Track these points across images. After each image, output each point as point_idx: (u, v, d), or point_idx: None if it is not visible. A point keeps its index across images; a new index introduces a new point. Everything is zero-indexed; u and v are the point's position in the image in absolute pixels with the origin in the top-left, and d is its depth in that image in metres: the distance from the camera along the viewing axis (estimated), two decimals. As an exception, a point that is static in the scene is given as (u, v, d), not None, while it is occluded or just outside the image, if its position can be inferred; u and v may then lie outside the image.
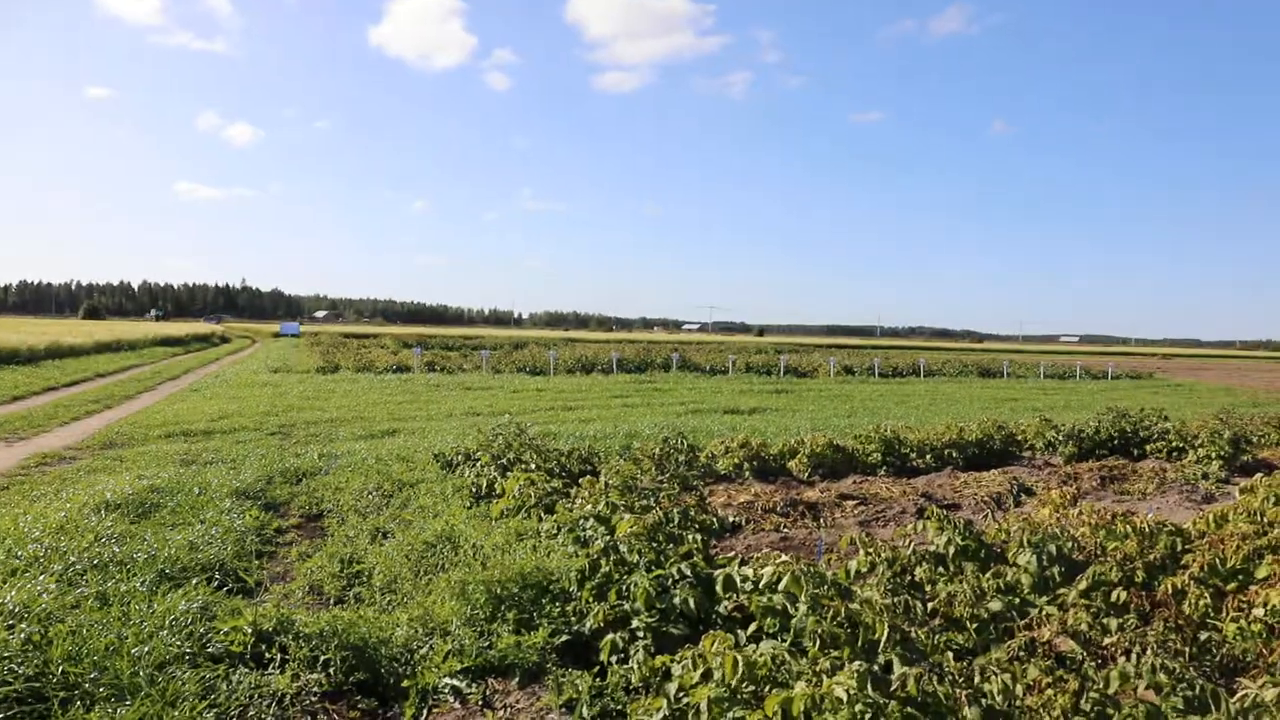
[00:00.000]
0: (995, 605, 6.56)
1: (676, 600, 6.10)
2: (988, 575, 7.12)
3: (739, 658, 4.81)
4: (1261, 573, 7.36)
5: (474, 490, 10.84)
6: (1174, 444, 17.25)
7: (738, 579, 6.14)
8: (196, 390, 25.33)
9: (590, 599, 6.56)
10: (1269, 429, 19.76)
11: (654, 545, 6.80)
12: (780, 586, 5.62)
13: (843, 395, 31.00)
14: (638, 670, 5.49)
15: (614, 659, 5.83)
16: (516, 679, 5.74)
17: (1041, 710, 4.77)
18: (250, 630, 5.75)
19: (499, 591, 6.48)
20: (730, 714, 4.73)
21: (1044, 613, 6.49)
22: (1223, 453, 15.92)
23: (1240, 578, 7.45)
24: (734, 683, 4.81)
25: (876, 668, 4.36)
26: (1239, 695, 4.60)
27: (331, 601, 7.21)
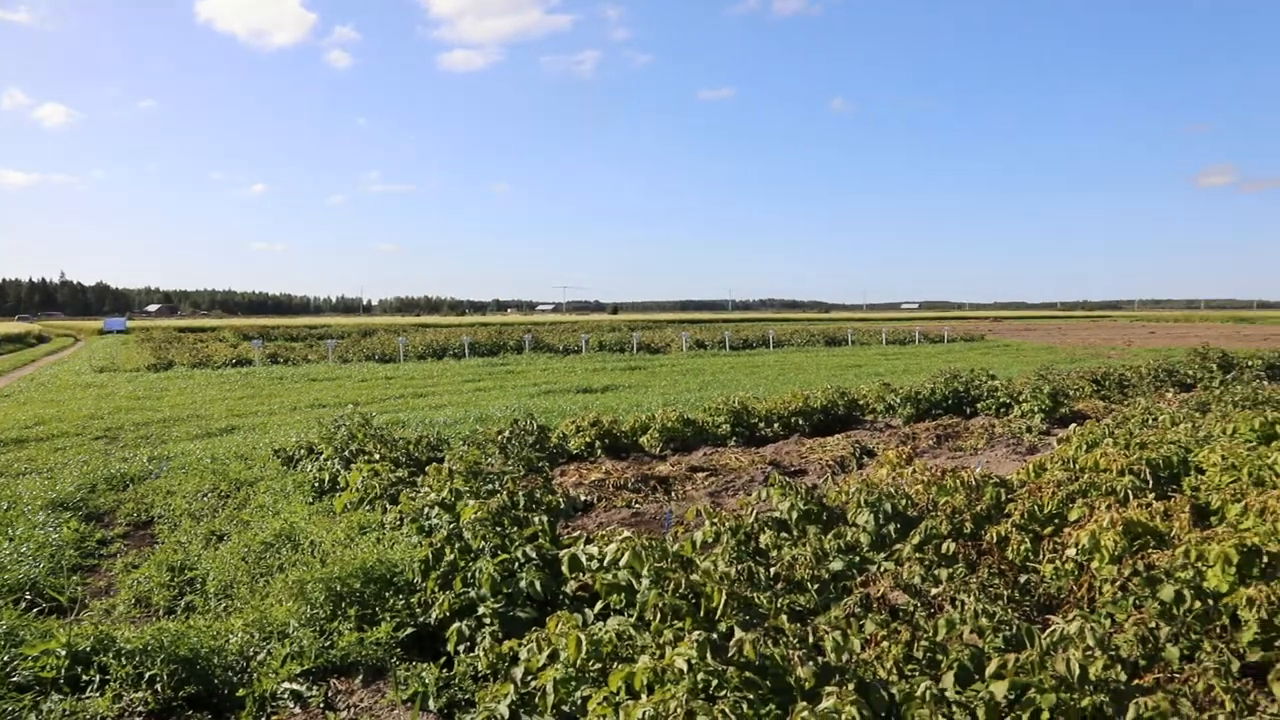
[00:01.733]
0: (836, 565, 6.78)
1: (523, 584, 6.04)
2: (829, 536, 7.35)
3: (583, 637, 4.79)
4: (1074, 515, 7.88)
5: (316, 485, 10.46)
6: (1002, 400, 18.30)
7: (583, 558, 6.12)
8: (7, 396, 23.43)
9: (435, 589, 6.42)
10: (1084, 383, 21.20)
11: (499, 530, 6.71)
12: (623, 563, 5.63)
13: (695, 369, 31.48)
14: (484, 657, 5.41)
15: (461, 648, 5.73)
16: (360, 677, 5.56)
17: (876, 662, 4.95)
18: (64, 653, 5.35)
19: (339, 588, 6.26)
20: (577, 693, 4.71)
21: (881, 569, 6.74)
22: (1044, 407, 16.99)
23: (1056, 521, 7.95)
24: (580, 661, 4.79)
25: (716, 636, 4.42)
26: (1049, 630, 4.89)
27: (161, 613, 6.81)
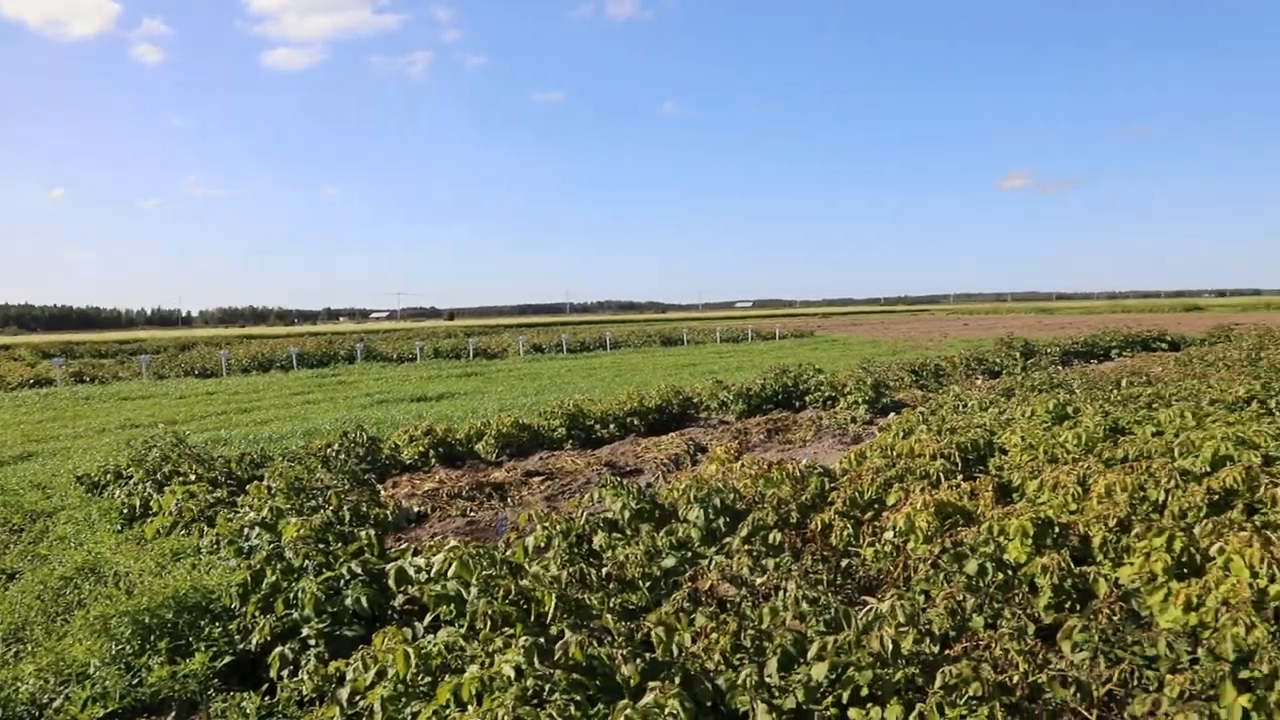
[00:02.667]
0: (669, 561, 6.88)
1: (349, 601, 5.85)
2: (661, 534, 7.46)
3: (411, 651, 4.68)
4: (891, 499, 8.29)
5: (125, 512, 9.79)
6: (828, 394, 19.07)
7: (411, 570, 5.98)
8: None
9: (256, 612, 6.12)
10: (904, 374, 22.36)
11: (323, 547, 6.48)
12: (451, 573, 5.54)
13: (532, 373, 31.35)
14: (309, 680, 5.20)
15: (285, 673, 5.48)
16: (173, 714, 5.24)
17: (704, 654, 5.05)
18: None
19: (149, 620, 5.88)
20: (407, 709, 4.60)
21: (711, 562, 6.89)
22: (867, 398, 17.80)
23: (876, 506, 8.34)
24: (409, 677, 4.67)
25: (544, 640, 4.40)
26: (865, 610, 5.13)
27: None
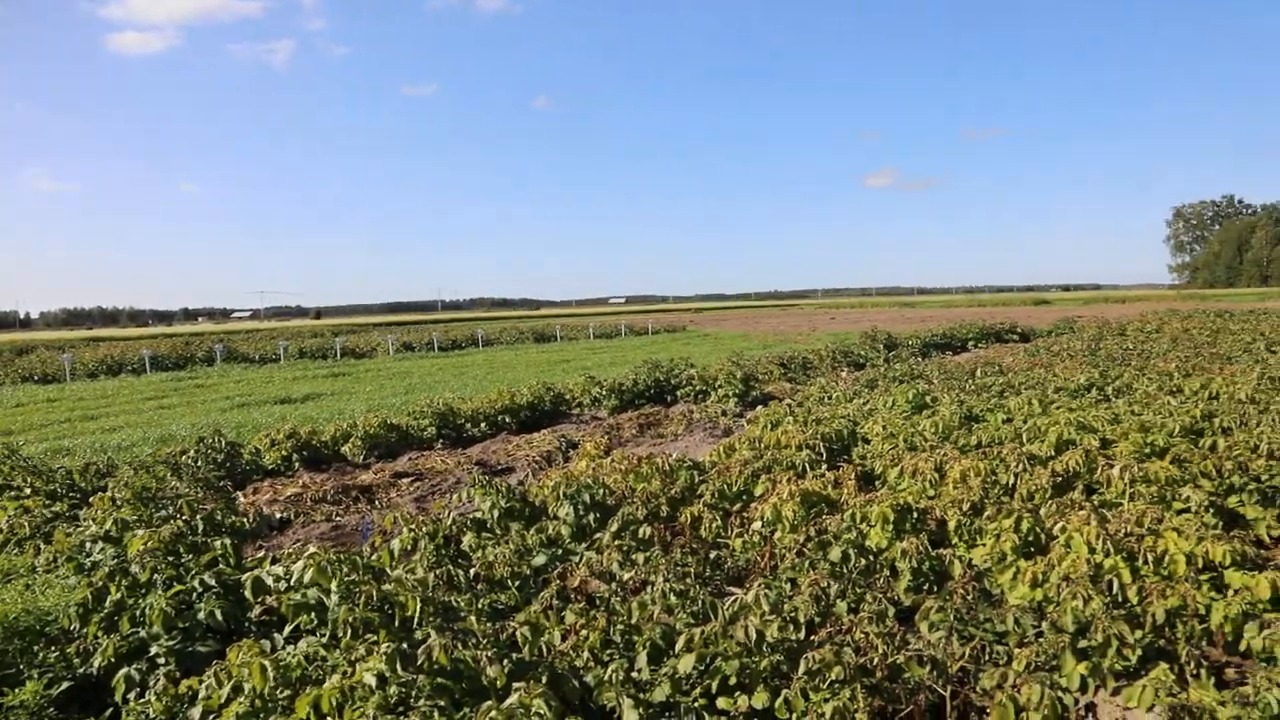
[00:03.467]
0: (539, 559, 6.81)
1: (202, 615, 5.56)
2: (532, 532, 7.38)
3: (267, 664, 4.48)
4: (759, 490, 8.43)
5: (-50, 531, 9.08)
6: (699, 388, 19.30)
7: (269, 579, 5.73)
8: None
9: (98, 633, 5.75)
10: (773, 366, 22.84)
11: (173, 560, 6.15)
12: (309, 579, 5.34)
13: (402, 373, 30.68)
14: (157, 702, 4.90)
15: (131, 695, 5.16)
16: (2, 747, 4.88)
17: (574, 652, 5.02)
18: None
19: (-27, 647, 5.46)
20: (265, 726, 4.40)
21: (582, 559, 6.86)
22: (737, 391, 18.11)
23: (744, 498, 8.47)
24: (266, 691, 4.47)
25: (406, 646, 4.28)
26: (731, 601, 5.19)
27: None
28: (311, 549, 5.63)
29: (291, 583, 5.53)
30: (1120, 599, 5.78)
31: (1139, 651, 5.08)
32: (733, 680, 4.74)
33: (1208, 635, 5.52)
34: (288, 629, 5.46)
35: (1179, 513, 7.24)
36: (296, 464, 12.92)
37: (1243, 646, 5.36)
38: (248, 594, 5.68)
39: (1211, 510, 7.26)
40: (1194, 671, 4.92)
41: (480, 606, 5.82)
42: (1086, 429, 9.91)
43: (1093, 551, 6.27)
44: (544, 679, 4.02)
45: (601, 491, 7.88)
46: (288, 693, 4.53)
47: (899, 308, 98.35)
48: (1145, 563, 6.20)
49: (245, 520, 7.84)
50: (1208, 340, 25.17)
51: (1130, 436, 9.32)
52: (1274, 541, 7.14)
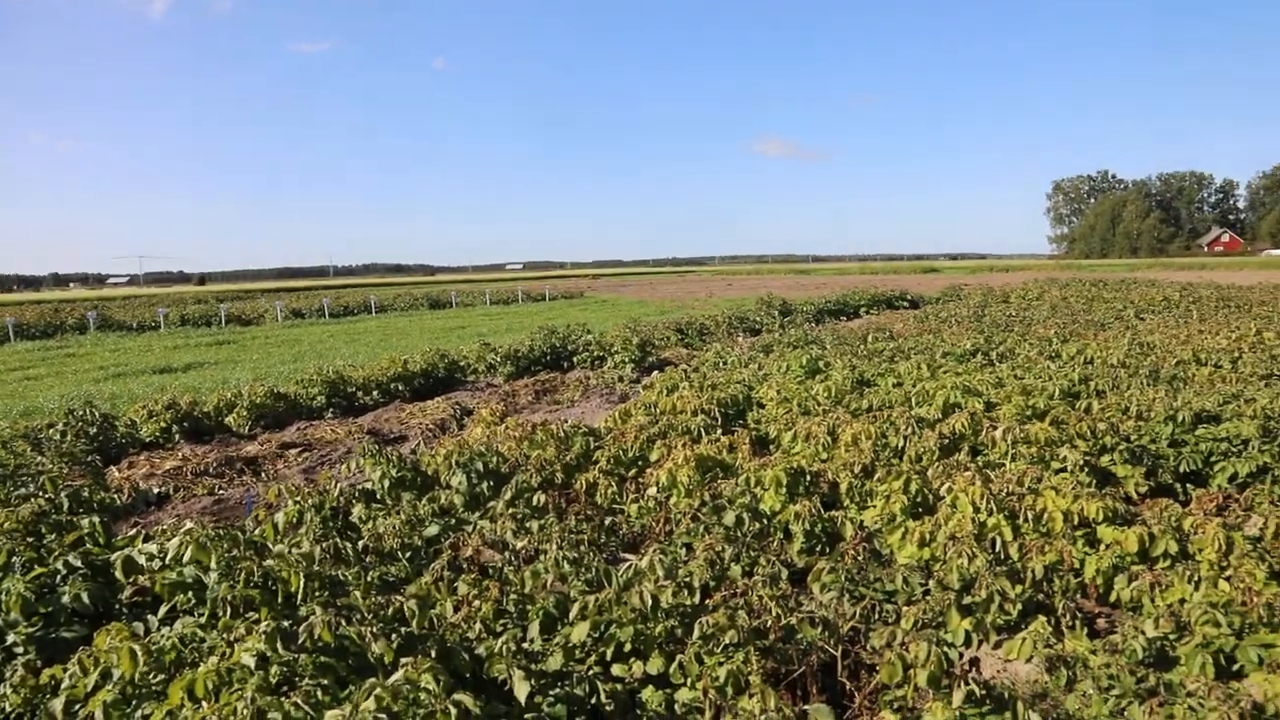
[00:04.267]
0: (432, 530, 6.66)
1: (66, 598, 5.24)
2: (424, 502, 7.22)
3: (138, 648, 4.24)
4: (654, 455, 8.42)
5: None
6: (596, 354, 19.23)
7: (141, 558, 5.44)
8: None
9: (-51, 622, 5.38)
10: (669, 332, 22.93)
11: (34, 540, 5.78)
12: (187, 558, 5.08)
13: (291, 340, 29.73)
14: (14, 695, 4.60)
15: (-14, 687, 4.85)
16: None
17: (466, 623, 4.91)
18: None
19: None
20: (136, 713, 4.17)
21: (476, 528, 6.73)
22: (634, 357, 18.11)
23: (640, 464, 8.45)
24: (137, 676, 4.23)
25: (290, 624, 4.10)
26: (625, 567, 5.15)
27: None
28: (188, 525, 5.35)
29: (167, 561, 5.26)
30: (1003, 556, 5.96)
31: (1019, 606, 5.25)
32: (627, 647, 4.71)
33: (1082, 588, 5.74)
34: (163, 610, 5.19)
35: (1057, 472, 7.52)
36: (177, 436, 12.38)
37: (1113, 597, 5.60)
38: (119, 574, 5.38)
39: (1086, 470, 7.55)
40: (1069, 623, 5.11)
41: (370, 580, 5.65)
42: (972, 392, 10.21)
43: (977, 511, 6.45)
44: (433, 653, 3.91)
45: (495, 459, 7.75)
46: (162, 678, 4.31)
47: (794, 275, 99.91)
48: (1026, 521, 6.41)
49: (117, 497, 7.46)
50: (1083, 308, 26.31)
51: (1013, 400, 9.63)
52: (1141, 498, 7.48)
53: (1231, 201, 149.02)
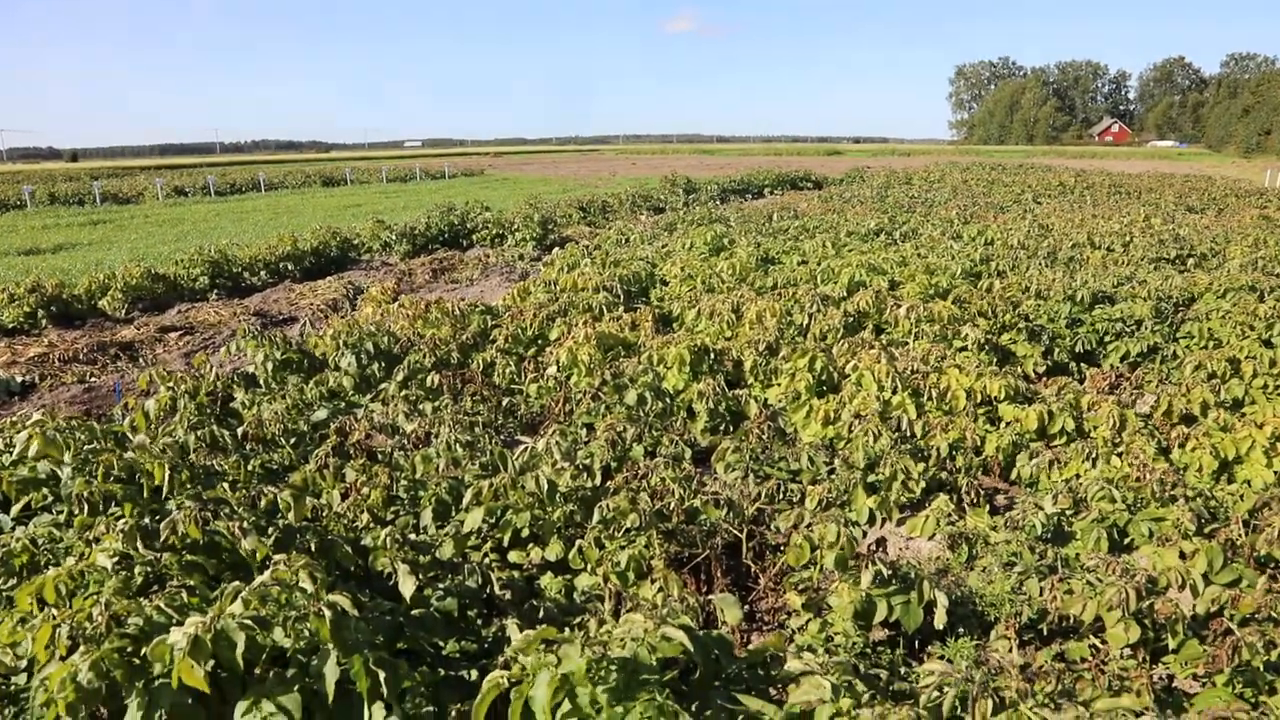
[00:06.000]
0: (320, 414, 6.30)
1: (-95, 495, 4.77)
2: (311, 385, 6.83)
3: (-19, 550, 3.86)
4: (554, 334, 8.14)
5: None
6: (496, 232, 18.66)
7: (-10, 452, 4.97)
8: None
9: None
10: (571, 210, 22.37)
11: None
12: (34, 452, 4.63)
13: (173, 219, 28.09)
14: None
15: None
16: None
17: (354, 511, 4.64)
18: None
19: None
20: (-16, 623, 3.81)
21: (368, 412, 6.40)
22: (535, 235, 17.60)
23: (539, 343, 8.17)
24: (-17, 584, 3.87)
25: (148, 520, 3.75)
26: (520, 450, 4.93)
27: None
28: (36, 418, 4.87)
29: (19, 457, 4.80)
30: (908, 434, 5.94)
31: (923, 484, 5.23)
32: (525, 533, 4.52)
33: (984, 466, 5.77)
34: (15, 509, 4.77)
35: (959, 350, 7.53)
36: (44, 322, 11.54)
37: (1014, 475, 5.64)
38: (-36, 470, 4.91)
39: (987, 348, 7.58)
40: (972, 500, 5.12)
41: (251, 469, 5.31)
42: (876, 271, 10.15)
43: (882, 389, 6.40)
44: (312, 546, 3.63)
45: (387, 339, 7.37)
46: (13, 582, 3.94)
47: (699, 155, 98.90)
48: (930, 399, 6.39)
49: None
50: (983, 191, 26.62)
51: (917, 278, 9.61)
52: (1039, 377, 7.57)
53: (1124, 92, 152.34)
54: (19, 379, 8.83)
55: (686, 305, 9.16)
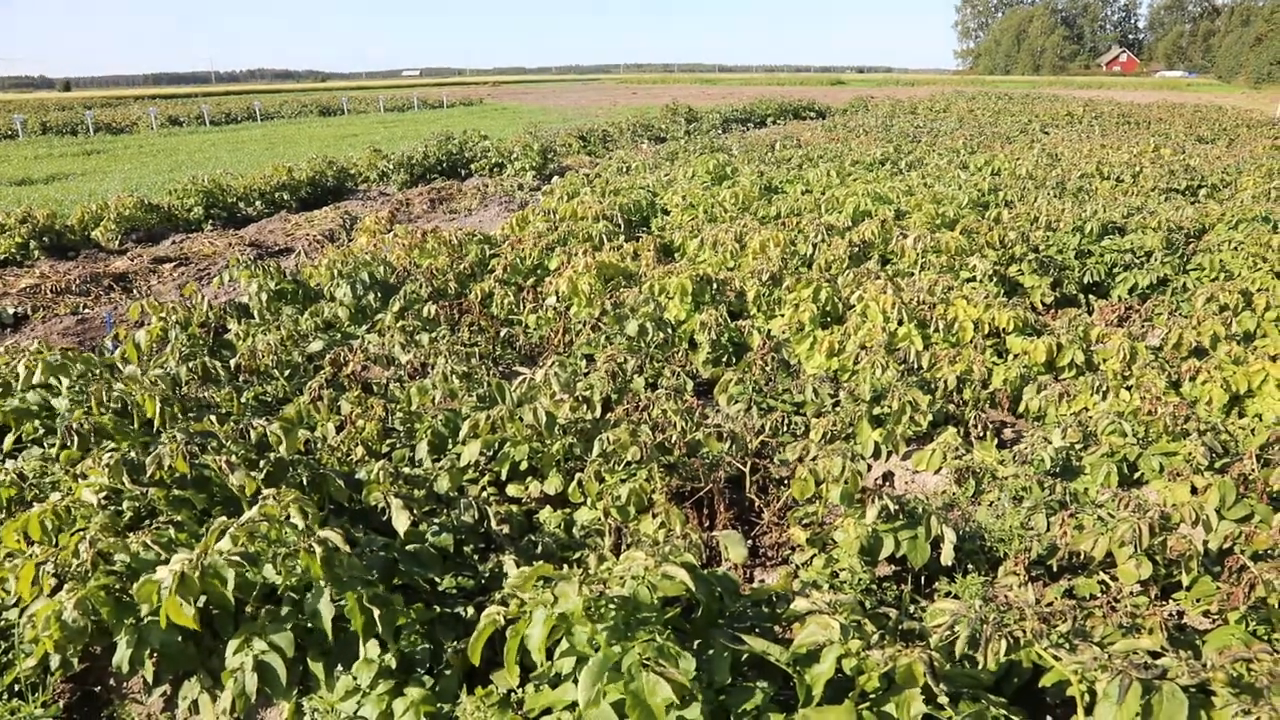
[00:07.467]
0: (315, 346, 6.19)
1: (-108, 427, 4.69)
2: (305, 316, 6.71)
3: (-30, 483, 3.78)
4: (553, 264, 7.98)
5: None
6: (495, 160, 18.35)
7: (-21, 383, 4.87)
8: None
9: None
10: (571, 139, 21.99)
11: None
12: (35, 381, 4.54)
13: (167, 149, 27.66)
14: None
15: None
16: None
17: (350, 443, 4.56)
18: None
19: None
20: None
21: (364, 343, 6.29)
22: (534, 164, 17.31)
23: (538, 272, 8.01)
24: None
25: (135, 455, 3.66)
26: (519, 381, 4.82)
27: None
28: (33, 347, 4.77)
29: (16, 386, 4.71)
30: (914, 366, 5.82)
31: (930, 417, 5.13)
32: (523, 466, 4.43)
33: (992, 399, 5.66)
34: (9, 440, 4.69)
35: (967, 281, 7.38)
36: (36, 253, 11.36)
37: (1021, 408, 5.54)
38: (-48, 401, 4.82)
39: (995, 279, 7.43)
40: (979, 434, 5.02)
41: (244, 401, 5.22)
42: (882, 200, 9.95)
43: (888, 320, 6.27)
44: (304, 480, 3.54)
45: (384, 269, 7.23)
46: (1, 517, 3.87)
47: (701, 85, 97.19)
48: (936, 330, 6.26)
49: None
50: (990, 121, 26.12)
51: (923, 208, 9.41)
52: (1047, 309, 7.43)
53: (1133, 21, 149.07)
54: (11, 310, 8.71)
55: (689, 235, 8.98)
